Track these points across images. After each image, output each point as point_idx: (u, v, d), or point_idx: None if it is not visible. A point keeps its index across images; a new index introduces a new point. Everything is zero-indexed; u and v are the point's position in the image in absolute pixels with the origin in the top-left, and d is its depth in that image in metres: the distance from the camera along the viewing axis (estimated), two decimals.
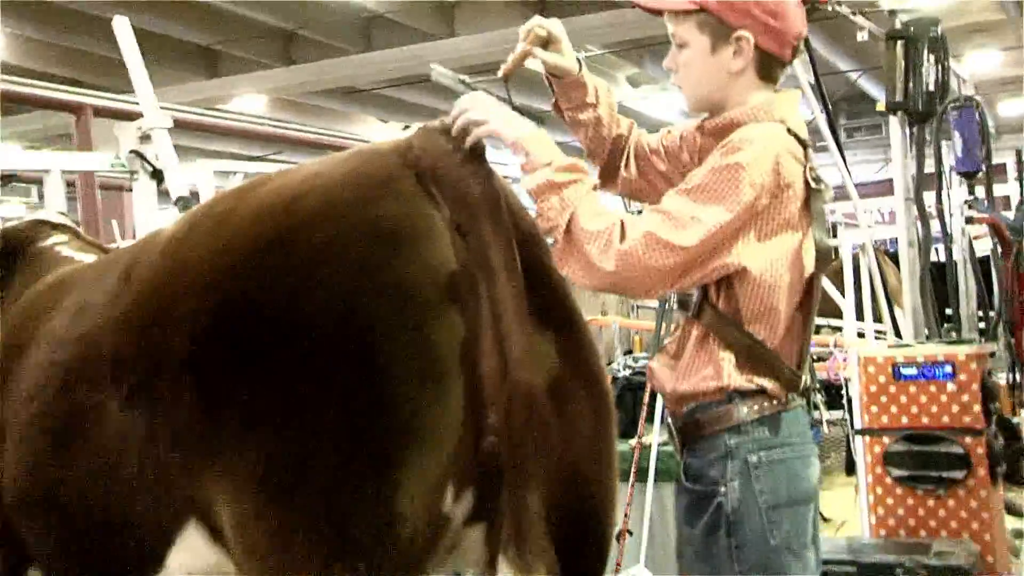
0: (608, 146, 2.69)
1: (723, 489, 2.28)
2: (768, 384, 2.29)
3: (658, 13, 2.46)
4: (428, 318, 2.02)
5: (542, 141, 2.24)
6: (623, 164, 2.70)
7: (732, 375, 2.28)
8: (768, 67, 2.37)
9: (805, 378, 2.35)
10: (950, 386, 4.97)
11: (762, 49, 2.34)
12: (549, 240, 2.25)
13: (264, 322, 2.02)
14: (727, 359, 2.29)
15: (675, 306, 2.43)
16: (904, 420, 5.05)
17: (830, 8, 5.68)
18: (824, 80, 6.28)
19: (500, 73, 2.54)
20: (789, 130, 2.30)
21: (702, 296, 2.32)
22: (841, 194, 6.21)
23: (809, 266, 2.30)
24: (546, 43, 2.56)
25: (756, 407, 2.29)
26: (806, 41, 5.67)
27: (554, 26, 2.57)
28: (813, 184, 2.28)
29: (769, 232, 2.22)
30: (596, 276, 2.17)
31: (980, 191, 6.86)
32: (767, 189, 2.19)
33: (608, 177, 2.73)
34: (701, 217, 2.15)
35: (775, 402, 2.30)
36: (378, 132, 18.99)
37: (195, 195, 5.37)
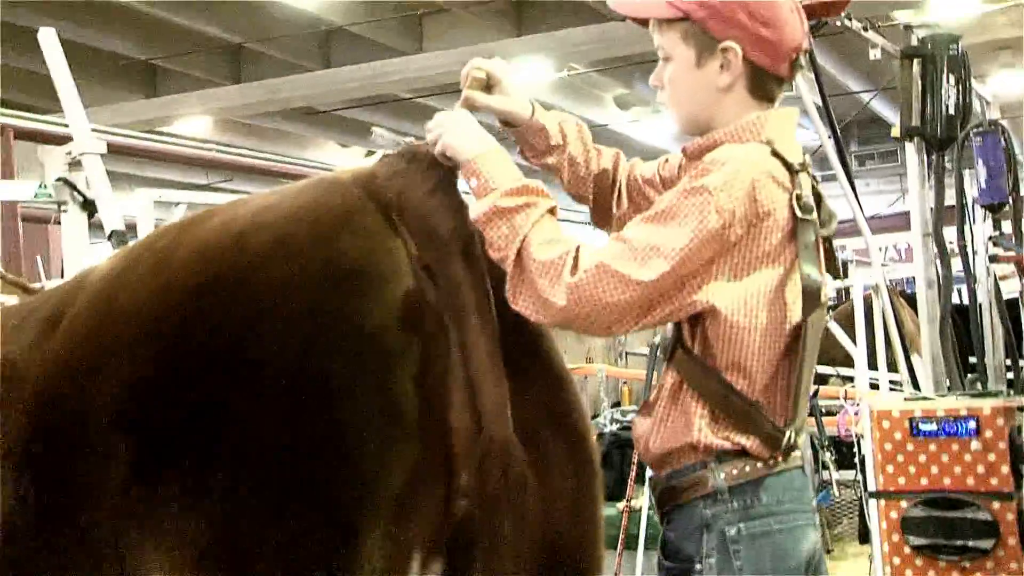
0: (592, 185, 2.66)
1: (699, 567, 2.23)
2: (747, 442, 2.23)
3: (643, 23, 2.45)
4: (392, 368, 2.03)
5: (497, 162, 2.22)
6: (615, 200, 2.68)
7: (704, 431, 2.23)
8: (761, 83, 2.34)
9: (792, 435, 2.27)
10: (975, 444, 4.98)
11: (752, 62, 2.31)
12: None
13: (209, 373, 2.03)
14: (699, 413, 2.25)
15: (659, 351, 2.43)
16: (923, 482, 5.06)
17: (839, 24, 5.74)
18: (833, 102, 6.33)
19: None
20: (775, 152, 2.26)
21: (675, 338, 2.29)
22: (852, 229, 6.26)
23: (794, 306, 2.24)
24: (488, 87, 2.53)
25: (735, 471, 2.23)
26: (811, 58, 5.79)
27: (495, 67, 2.55)
28: (800, 213, 2.23)
29: (744, 267, 2.18)
30: (548, 312, 2.13)
31: (1007, 226, 6.92)
32: (740, 218, 2.14)
33: (601, 217, 2.71)
34: (661, 247, 2.12)
35: (758, 464, 2.24)
36: (338, 158, 19.04)
37: (132, 229, 5.36)
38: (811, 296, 2.25)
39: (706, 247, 2.13)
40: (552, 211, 2.21)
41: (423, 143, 2.29)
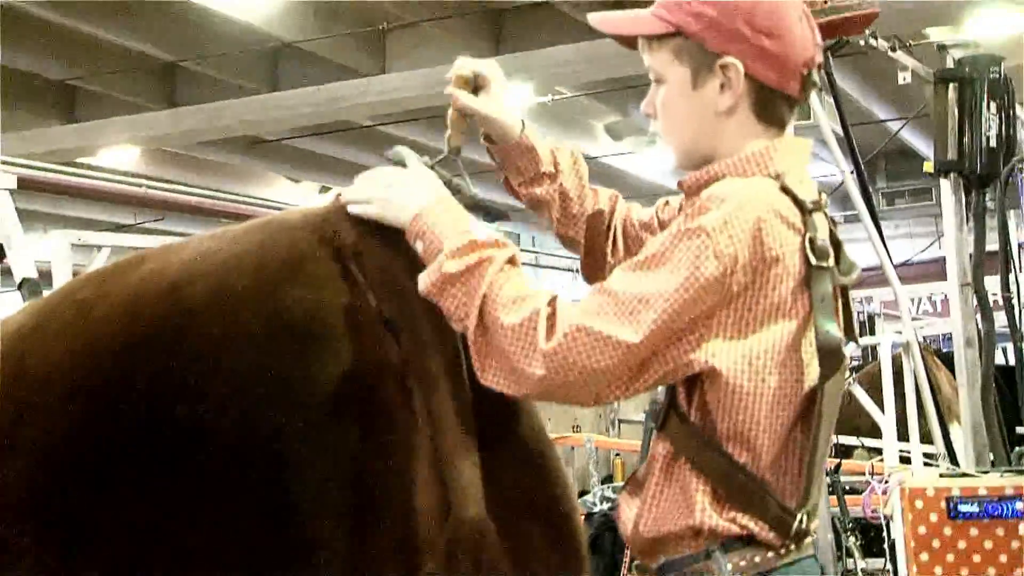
0: (585, 228, 2.64)
1: None
2: (755, 527, 2.20)
3: (630, 44, 2.42)
4: (347, 439, 2.04)
5: (441, 213, 2.19)
6: (610, 248, 2.65)
7: (708, 512, 2.19)
8: (768, 104, 2.31)
9: (804, 518, 2.23)
10: (1022, 528, 5.00)
11: (757, 80, 2.28)
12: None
13: (137, 443, 2.03)
14: (701, 490, 2.20)
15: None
16: (964, 572, 5.06)
17: (863, 43, 5.80)
18: (857, 131, 6.38)
19: (445, 148, 2.47)
20: (784, 188, 2.22)
21: (668, 402, 2.25)
22: (879, 278, 6.30)
23: (809, 368, 2.21)
24: (475, 89, 2.52)
25: (743, 561, 2.19)
26: (831, 81, 5.84)
27: (486, 68, 2.54)
28: (814, 259, 2.18)
29: (750, 321, 2.14)
30: (525, 384, 2.09)
31: None
32: (743, 264, 2.10)
33: (593, 266, 2.67)
34: (650, 299, 2.08)
35: (768, 553, 2.21)
36: (288, 195, 19.06)
37: (46, 276, 5.36)
38: (829, 356, 2.20)
39: (704, 298, 2.09)
40: (512, 261, 2.17)
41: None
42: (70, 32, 11.75)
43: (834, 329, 2.20)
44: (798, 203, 2.21)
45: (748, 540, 2.21)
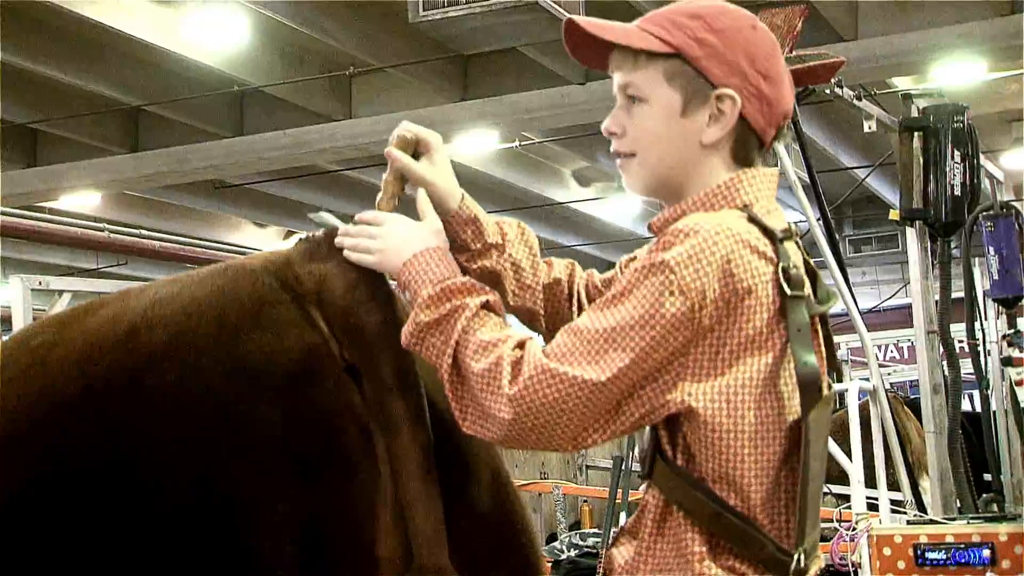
0: (542, 296, 2.53)
1: None
2: (752, 572, 2.14)
3: (596, 61, 2.34)
4: (307, 487, 2.02)
5: (422, 267, 2.19)
6: (574, 313, 2.53)
7: (706, 561, 2.13)
8: (746, 147, 2.26)
9: (801, 558, 2.16)
10: (989, 575, 5.01)
11: (746, 120, 2.22)
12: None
13: (93, 492, 2.01)
14: (694, 538, 2.14)
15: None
16: None
17: (829, 92, 5.85)
18: (823, 178, 6.42)
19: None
20: (752, 218, 2.18)
21: (653, 447, 2.20)
22: (846, 324, 6.32)
23: (790, 402, 2.16)
24: (416, 155, 2.47)
25: None
26: (796, 127, 5.87)
27: (428, 134, 2.49)
28: (789, 289, 2.13)
29: (725, 356, 2.10)
30: (496, 428, 2.06)
31: (1022, 323, 7.01)
32: (712, 298, 2.07)
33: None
34: (615, 338, 2.05)
35: None
36: (253, 240, 19.04)
37: (5, 322, 5.33)
38: (809, 387, 2.15)
39: (672, 335, 2.06)
40: (487, 306, 2.16)
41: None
42: (32, 75, 11.73)
43: (812, 360, 2.15)
44: (767, 233, 2.17)
45: None
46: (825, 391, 2.18)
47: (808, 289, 2.19)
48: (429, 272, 2.18)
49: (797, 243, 2.26)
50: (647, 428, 2.21)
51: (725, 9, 2.25)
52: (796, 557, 2.16)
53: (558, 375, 2.05)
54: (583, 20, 2.31)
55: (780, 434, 2.16)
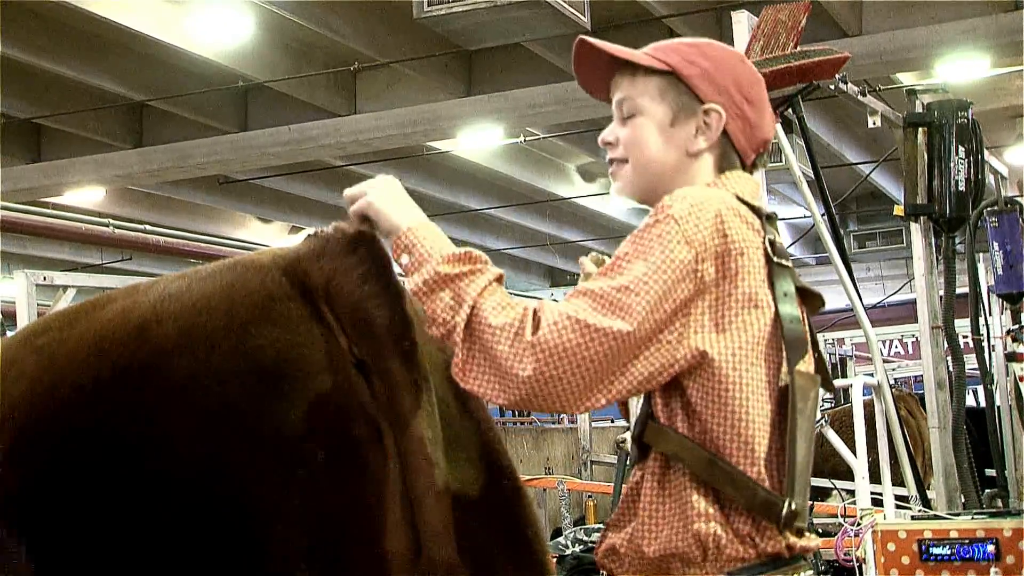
0: None
1: None
2: (746, 518, 2.21)
3: (597, 87, 2.47)
4: (316, 481, 2.03)
5: (429, 233, 2.22)
6: None
7: (703, 515, 2.19)
8: (727, 161, 2.42)
9: (791, 504, 2.21)
10: (993, 570, 5.00)
11: (730, 137, 2.40)
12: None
13: (102, 486, 2.02)
14: (698, 498, 2.21)
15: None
16: None
17: (833, 88, 5.85)
18: (828, 174, 6.42)
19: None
20: (739, 197, 2.33)
21: (646, 412, 2.27)
22: (850, 320, 6.32)
23: (784, 362, 2.26)
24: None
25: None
26: (802, 124, 5.87)
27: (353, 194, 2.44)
28: (775, 257, 2.29)
29: (725, 313, 2.20)
30: (512, 385, 2.09)
31: None
32: (711, 251, 2.18)
33: None
34: (631, 286, 2.13)
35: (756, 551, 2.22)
36: (258, 235, 19.04)
37: (10, 317, 5.34)
38: (795, 343, 2.27)
39: (680, 284, 2.15)
40: (500, 279, 2.20)
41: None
42: (36, 70, 11.73)
43: (798, 317, 2.28)
44: (754, 209, 2.33)
45: (745, 539, 2.22)
46: (807, 350, 2.29)
47: (790, 263, 2.32)
48: (439, 242, 2.21)
49: (776, 229, 2.40)
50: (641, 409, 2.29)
51: (718, 45, 2.46)
52: (787, 501, 2.22)
53: (580, 322, 2.10)
54: (593, 40, 2.47)
55: (776, 392, 2.26)
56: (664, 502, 2.25)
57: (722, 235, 2.20)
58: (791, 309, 2.27)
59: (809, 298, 2.36)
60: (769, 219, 2.35)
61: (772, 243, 2.29)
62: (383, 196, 2.27)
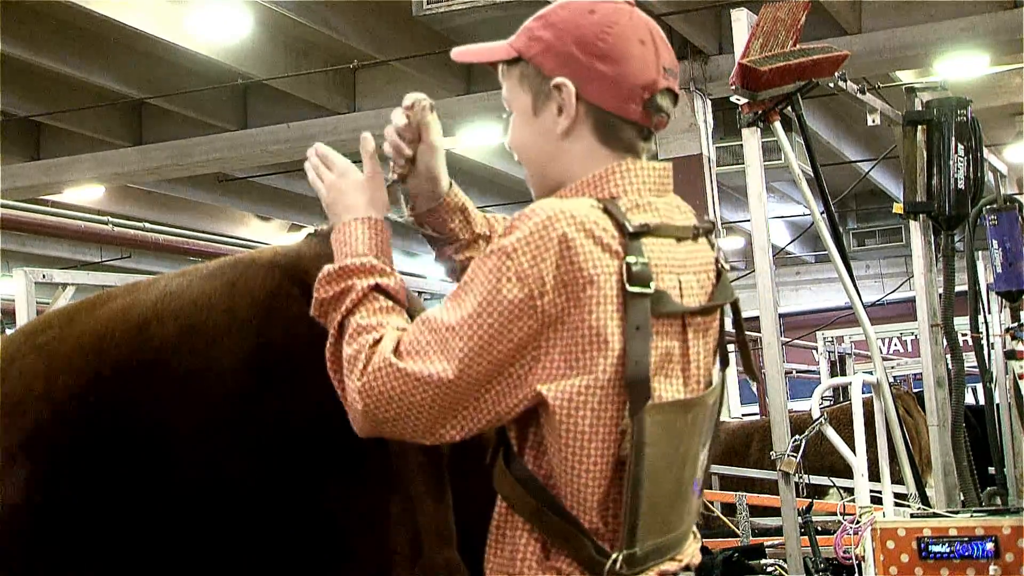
0: None
1: None
2: (567, 568, 2.07)
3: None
4: (319, 478, 2.03)
5: (348, 236, 2.18)
6: None
7: (530, 564, 2.07)
8: (610, 129, 2.21)
9: (620, 561, 2.05)
10: (992, 568, 5.00)
11: (593, 103, 2.20)
12: None
13: (104, 481, 2.03)
14: (528, 544, 2.09)
15: None
16: None
17: (832, 85, 5.85)
18: (827, 172, 6.42)
19: (392, 175, 2.41)
20: (607, 209, 2.11)
21: (498, 441, 2.15)
22: (849, 318, 6.32)
23: (629, 402, 2.06)
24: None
25: None
26: (801, 122, 5.88)
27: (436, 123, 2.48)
28: (630, 286, 2.06)
29: (572, 349, 2.04)
30: (356, 419, 2.03)
31: None
32: (553, 284, 2.02)
33: None
34: (456, 327, 2.02)
35: None
36: (257, 233, 19.04)
37: (9, 315, 5.34)
38: (636, 388, 2.06)
39: (515, 323, 2.01)
40: (378, 288, 2.13)
41: None
42: (35, 68, 11.73)
43: (645, 360, 2.07)
44: (619, 226, 2.11)
45: None
46: (660, 396, 2.11)
47: (653, 287, 2.10)
48: (346, 245, 2.16)
49: (710, 240, 2.25)
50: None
51: (567, 3, 2.24)
52: (614, 558, 2.07)
53: (400, 371, 2.02)
54: (457, 52, 2.37)
55: (620, 436, 2.08)
56: (502, 546, 2.13)
57: (568, 262, 2.03)
58: (639, 347, 2.06)
59: (696, 314, 2.20)
60: (645, 232, 2.13)
61: (630, 268, 2.07)
62: (329, 194, 2.26)
